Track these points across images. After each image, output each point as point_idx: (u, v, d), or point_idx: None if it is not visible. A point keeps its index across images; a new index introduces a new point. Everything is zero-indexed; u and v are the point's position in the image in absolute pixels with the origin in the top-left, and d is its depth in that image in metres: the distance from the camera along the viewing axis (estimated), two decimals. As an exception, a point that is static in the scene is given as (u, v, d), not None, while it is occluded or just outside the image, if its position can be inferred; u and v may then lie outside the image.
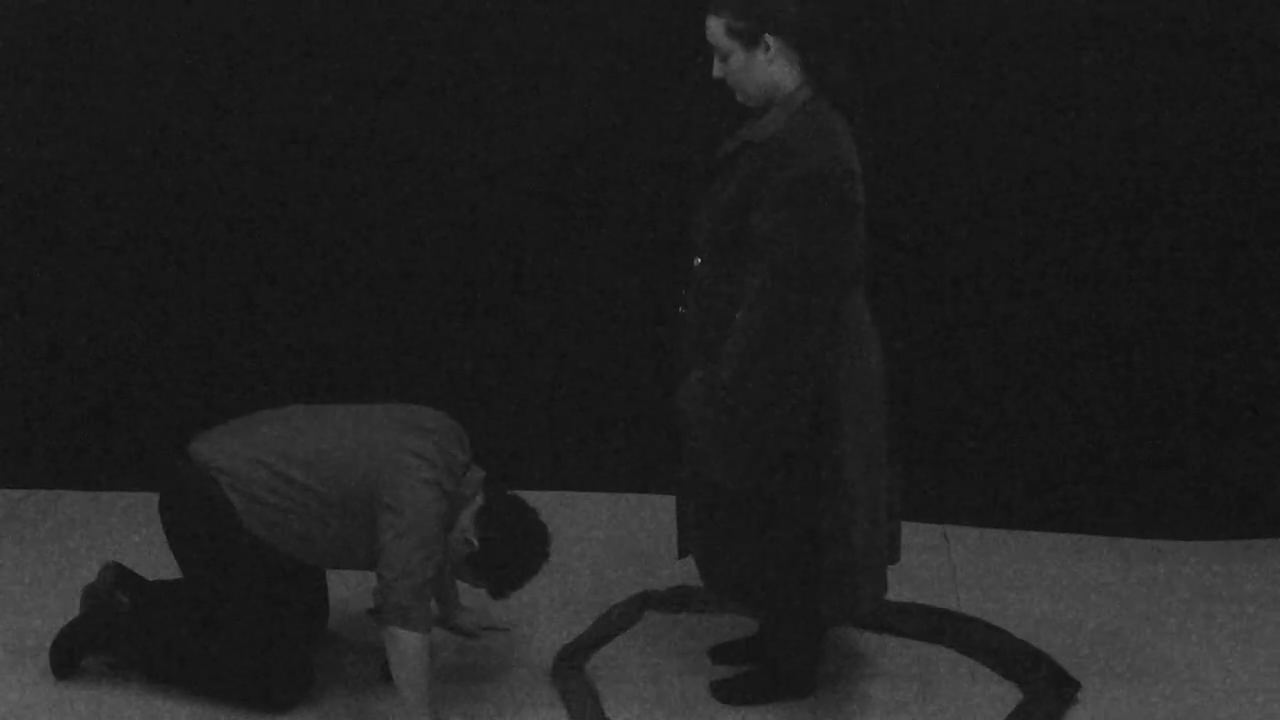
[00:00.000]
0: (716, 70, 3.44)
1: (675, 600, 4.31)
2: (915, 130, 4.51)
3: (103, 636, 3.89)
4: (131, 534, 4.64)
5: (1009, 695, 3.90)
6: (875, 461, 3.59)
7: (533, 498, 3.84)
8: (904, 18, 4.43)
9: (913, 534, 4.62)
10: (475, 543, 3.66)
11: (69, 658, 3.90)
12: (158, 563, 4.33)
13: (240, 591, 3.71)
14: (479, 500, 3.71)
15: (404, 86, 4.64)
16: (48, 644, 3.98)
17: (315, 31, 4.60)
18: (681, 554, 3.87)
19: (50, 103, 4.67)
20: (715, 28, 3.39)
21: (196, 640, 3.80)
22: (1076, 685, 3.90)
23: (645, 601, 4.30)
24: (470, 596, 4.19)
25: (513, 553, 3.69)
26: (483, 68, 4.62)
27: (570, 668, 3.97)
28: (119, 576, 3.93)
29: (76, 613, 4.03)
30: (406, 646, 3.57)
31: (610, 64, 4.58)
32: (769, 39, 3.36)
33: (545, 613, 4.25)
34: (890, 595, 4.14)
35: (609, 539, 4.66)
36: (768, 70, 3.39)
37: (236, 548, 3.67)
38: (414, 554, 3.55)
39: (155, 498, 3.79)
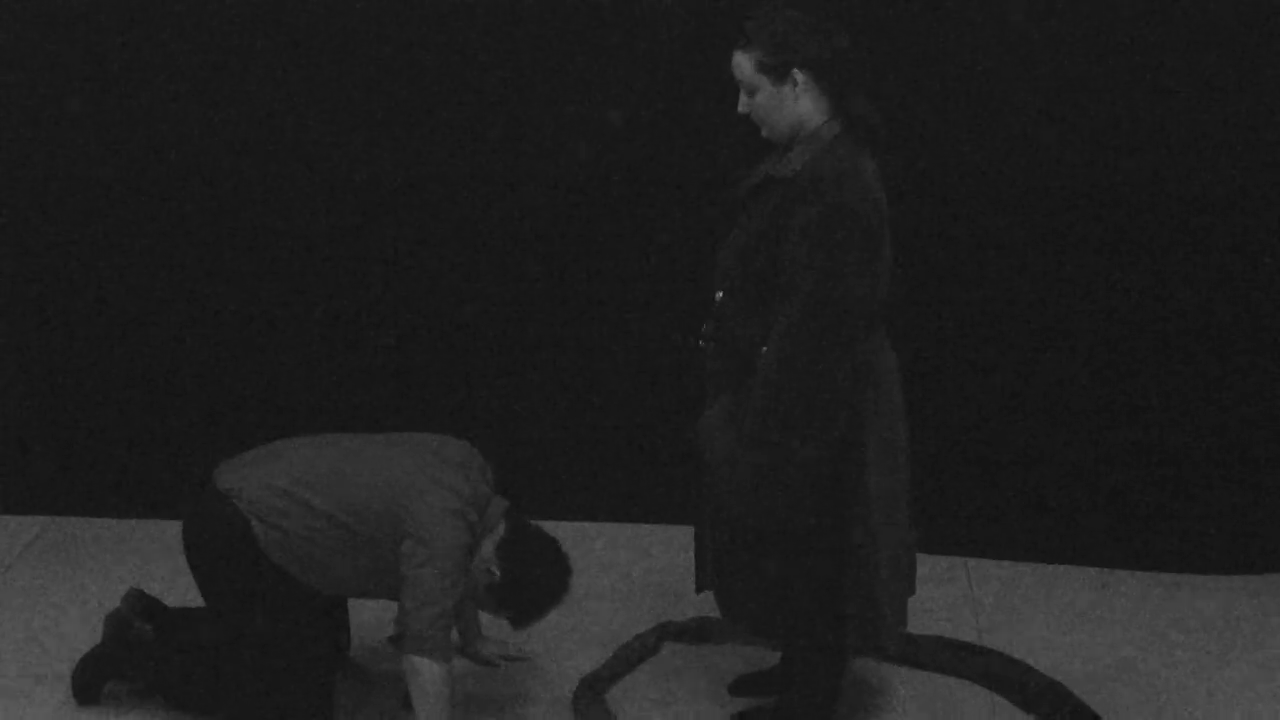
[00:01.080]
0: (742, 106, 3.43)
1: (695, 631, 4.30)
2: (938, 164, 4.51)
3: (125, 663, 3.90)
4: (154, 561, 4.65)
5: (1030, 729, 3.91)
6: (898, 492, 3.59)
7: (553, 528, 3.84)
8: (927, 53, 4.45)
9: (933, 566, 4.61)
10: (497, 573, 3.67)
11: (91, 684, 3.91)
12: (180, 590, 4.34)
13: (262, 620, 3.71)
14: (501, 530, 3.71)
15: (421, 125, 4.66)
16: (70, 670, 4.00)
17: (335, 52, 4.63)
18: (699, 589, 3.87)
19: (87, 137, 4.70)
20: (744, 63, 3.38)
21: (218, 668, 3.80)
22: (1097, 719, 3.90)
23: (665, 632, 4.30)
24: (491, 626, 4.19)
25: (534, 583, 3.70)
26: (500, 103, 4.63)
27: (591, 699, 3.97)
28: (141, 603, 3.94)
29: (99, 639, 4.04)
30: (427, 676, 3.57)
31: (631, 97, 4.59)
32: (797, 74, 3.36)
33: (566, 643, 4.25)
34: (911, 628, 4.13)
35: (629, 569, 4.66)
36: (795, 106, 3.39)
37: (259, 576, 3.68)
38: (437, 583, 3.55)
39: (179, 525, 3.80)
